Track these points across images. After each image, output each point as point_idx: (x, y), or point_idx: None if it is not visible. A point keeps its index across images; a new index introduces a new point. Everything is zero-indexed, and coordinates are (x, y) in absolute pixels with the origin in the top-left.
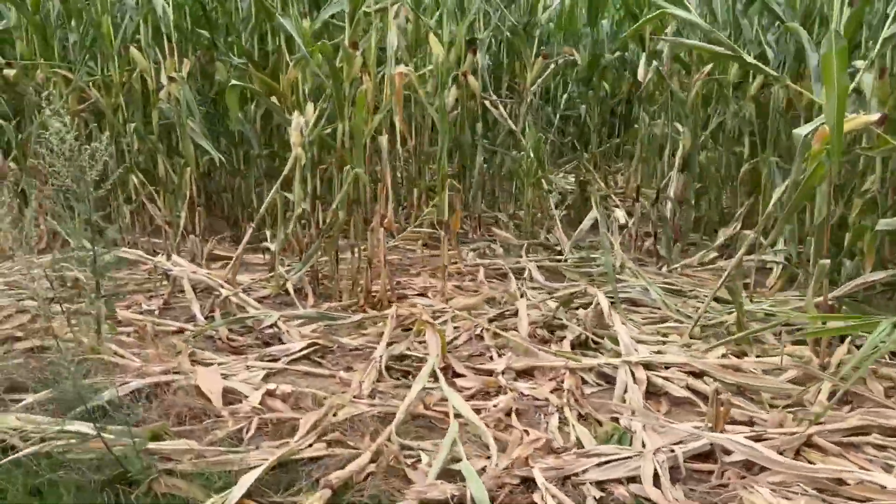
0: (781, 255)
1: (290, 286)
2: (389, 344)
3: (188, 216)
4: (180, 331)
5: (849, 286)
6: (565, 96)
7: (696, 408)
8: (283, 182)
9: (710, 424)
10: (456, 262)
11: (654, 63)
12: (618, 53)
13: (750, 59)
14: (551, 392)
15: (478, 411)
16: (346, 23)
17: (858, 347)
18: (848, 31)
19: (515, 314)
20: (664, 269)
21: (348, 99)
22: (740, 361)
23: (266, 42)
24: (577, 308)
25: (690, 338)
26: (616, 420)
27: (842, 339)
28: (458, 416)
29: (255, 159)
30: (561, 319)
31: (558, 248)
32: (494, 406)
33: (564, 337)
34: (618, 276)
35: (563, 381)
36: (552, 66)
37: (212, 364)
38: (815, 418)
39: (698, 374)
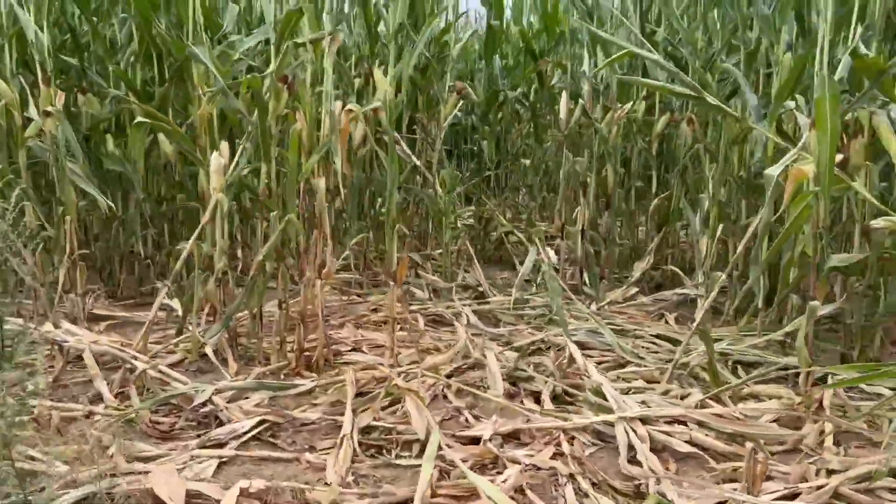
0: (703, 288)
1: (209, 350)
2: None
3: (68, 272)
4: (89, 415)
5: (798, 321)
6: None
7: (704, 463)
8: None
9: (746, 485)
10: (401, 313)
11: (581, 101)
12: (520, 90)
13: (714, 101)
14: (552, 458)
15: None
16: (273, 54)
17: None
18: (793, 76)
19: (473, 367)
20: (593, 307)
21: (275, 138)
22: (729, 409)
23: (147, 71)
24: (530, 355)
25: (668, 384)
26: (638, 487)
27: (824, 379)
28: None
29: (138, 203)
30: (525, 371)
31: (480, 288)
32: (504, 482)
33: (538, 391)
34: (554, 318)
35: (559, 444)
36: (461, 101)
37: (148, 457)
38: (876, 476)
39: (683, 423)
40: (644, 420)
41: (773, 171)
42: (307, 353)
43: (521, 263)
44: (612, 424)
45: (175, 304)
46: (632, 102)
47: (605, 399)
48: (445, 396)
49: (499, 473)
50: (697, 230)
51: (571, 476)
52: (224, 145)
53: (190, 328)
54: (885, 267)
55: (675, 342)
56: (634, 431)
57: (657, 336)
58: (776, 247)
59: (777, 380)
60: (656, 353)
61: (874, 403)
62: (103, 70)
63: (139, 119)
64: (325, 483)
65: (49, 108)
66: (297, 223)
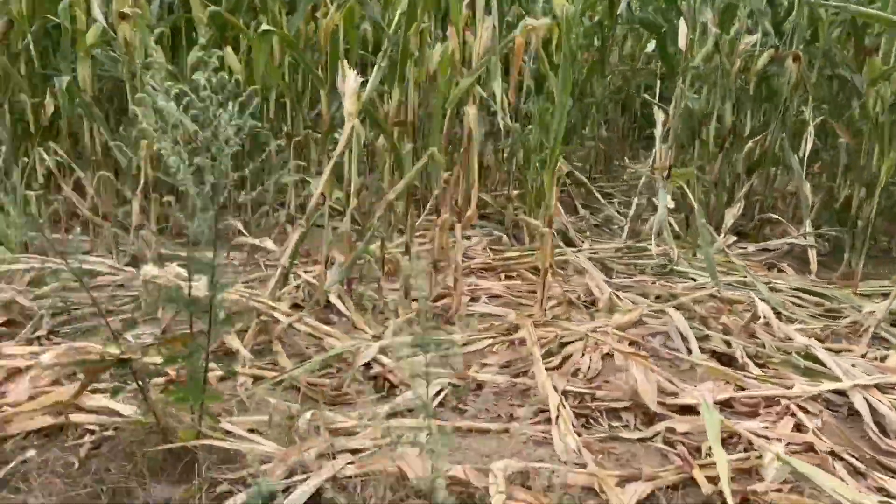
0: (812, 238)
1: (334, 299)
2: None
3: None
4: (224, 378)
5: None
6: None
7: None
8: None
9: None
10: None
11: (713, 31)
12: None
13: None
14: (792, 431)
15: None
16: None
17: None
18: None
19: (630, 325)
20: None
21: (412, 58)
22: None
23: None
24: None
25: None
26: None
27: None
28: None
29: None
30: (700, 329)
31: (568, 234)
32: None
33: (719, 352)
34: (675, 268)
35: (793, 415)
36: None
37: (344, 431)
38: None
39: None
40: (878, 387)
41: None
42: (436, 305)
43: (583, 207)
44: (841, 392)
45: (267, 244)
46: (755, 36)
47: (819, 363)
48: (610, 356)
49: (745, 451)
50: (802, 175)
51: (833, 453)
52: (346, 64)
53: (302, 274)
54: None
55: (820, 296)
56: (879, 401)
57: (796, 289)
58: None
59: None
60: (804, 307)
61: None
62: None
63: (265, 27)
64: (576, 464)
65: (126, 10)
66: (439, 158)
